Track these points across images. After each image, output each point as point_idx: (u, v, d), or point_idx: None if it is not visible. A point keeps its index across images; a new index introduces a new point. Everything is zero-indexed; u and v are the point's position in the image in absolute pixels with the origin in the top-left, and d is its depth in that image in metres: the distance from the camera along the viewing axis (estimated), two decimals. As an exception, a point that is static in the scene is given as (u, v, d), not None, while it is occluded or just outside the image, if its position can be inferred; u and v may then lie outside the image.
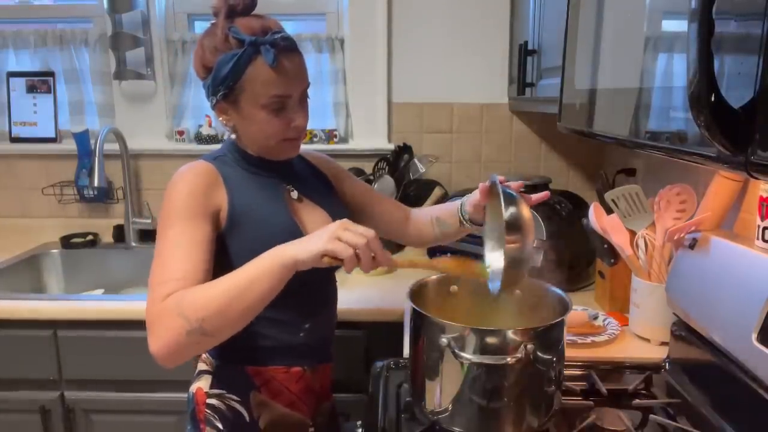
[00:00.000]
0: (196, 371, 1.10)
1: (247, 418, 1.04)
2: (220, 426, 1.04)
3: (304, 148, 1.17)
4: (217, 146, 2.03)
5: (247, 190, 1.04)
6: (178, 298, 0.86)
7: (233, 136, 1.07)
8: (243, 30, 0.96)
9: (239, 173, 1.05)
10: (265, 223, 1.01)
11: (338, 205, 1.18)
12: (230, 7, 0.98)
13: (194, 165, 1.02)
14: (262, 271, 0.87)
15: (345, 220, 0.90)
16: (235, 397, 1.05)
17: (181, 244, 0.92)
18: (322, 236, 0.87)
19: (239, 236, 1.00)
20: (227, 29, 0.97)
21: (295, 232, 1.01)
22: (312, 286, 1.08)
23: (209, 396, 1.05)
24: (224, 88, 0.98)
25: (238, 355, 1.05)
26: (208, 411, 1.05)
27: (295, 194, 1.10)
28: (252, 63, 0.96)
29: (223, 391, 1.05)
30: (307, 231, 1.03)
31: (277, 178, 1.08)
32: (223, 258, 0.98)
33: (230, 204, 1.00)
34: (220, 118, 1.04)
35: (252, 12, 1.01)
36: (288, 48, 0.98)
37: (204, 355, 1.10)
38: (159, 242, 0.94)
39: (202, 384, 1.07)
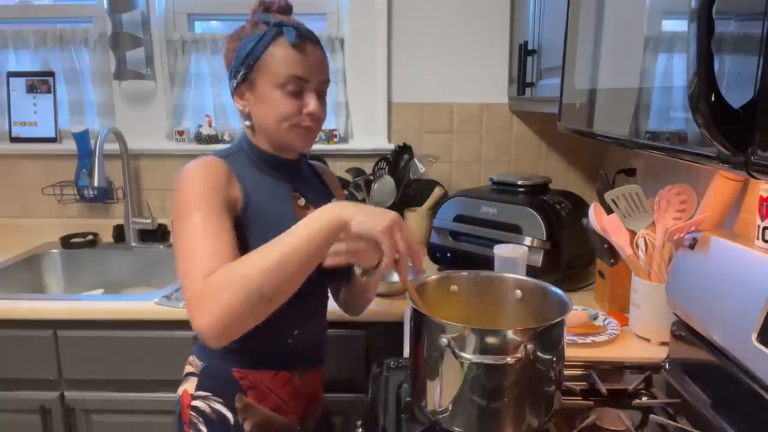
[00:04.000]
0: (184, 373, 1.10)
1: (232, 421, 1.03)
2: (204, 429, 1.03)
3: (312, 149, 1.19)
4: (218, 146, 2.05)
5: (259, 189, 1.03)
6: (227, 270, 0.84)
7: (247, 123, 1.06)
8: (271, 17, 1.02)
9: (250, 172, 1.04)
10: (277, 227, 0.93)
11: None
12: (265, 6, 1.04)
13: (205, 159, 1.00)
14: (313, 230, 0.85)
15: (402, 221, 0.89)
16: (220, 400, 1.04)
17: (208, 228, 0.90)
18: (381, 221, 0.85)
19: (253, 234, 0.99)
20: (257, 15, 1.03)
21: None
22: (301, 294, 1.00)
23: (194, 398, 1.05)
24: (245, 67, 1.00)
25: (224, 358, 1.04)
26: (193, 413, 1.04)
27: (302, 201, 1.10)
28: (274, 42, 0.99)
29: (209, 394, 1.04)
30: None
31: (286, 181, 1.08)
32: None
33: (245, 198, 1.00)
34: (239, 105, 1.05)
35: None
36: (310, 37, 1.03)
37: (191, 357, 1.09)
38: (182, 233, 0.91)
39: (188, 386, 1.06)
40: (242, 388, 1.04)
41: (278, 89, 0.99)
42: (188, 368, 1.09)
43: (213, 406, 1.04)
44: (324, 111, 1.06)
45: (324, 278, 1.08)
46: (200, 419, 1.04)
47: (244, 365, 1.05)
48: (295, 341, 1.08)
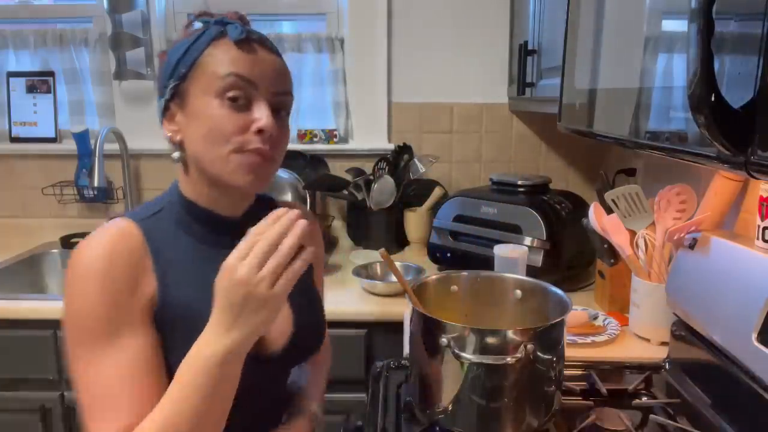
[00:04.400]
0: None
1: None
2: None
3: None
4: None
5: (185, 269, 0.77)
6: None
7: (176, 155, 0.79)
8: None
9: (177, 240, 0.77)
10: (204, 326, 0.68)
11: (307, 293, 0.88)
12: (210, 16, 0.80)
13: (109, 237, 0.72)
14: (211, 386, 0.66)
15: (234, 268, 0.64)
16: None
17: (111, 376, 0.68)
18: (249, 312, 0.64)
19: (174, 336, 0.74)
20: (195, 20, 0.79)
21: None
22: (250, 398, 0.77)
23: None
24: (175, 78, 0.75)
25: None
26: None
27: None
28: (214, 42, 0.75)
29: None
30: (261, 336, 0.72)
31: (229, 247, 0.69)
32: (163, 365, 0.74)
33: (162, 294, 0.74)
34: (167, 132, 0.79)
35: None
36: (264, 40, 0.78)
37: None
38: (80, 375, 0.69)
39: None
40: None
41: (216, 98, 0.73)
42: None
43: None
44: (284, 133, 0.78)
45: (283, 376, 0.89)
46: None
47: None
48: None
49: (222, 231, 0.80)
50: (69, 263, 0.71)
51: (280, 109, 0.78)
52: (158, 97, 0.79)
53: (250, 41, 0.76)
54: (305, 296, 0.89)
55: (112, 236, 0.73)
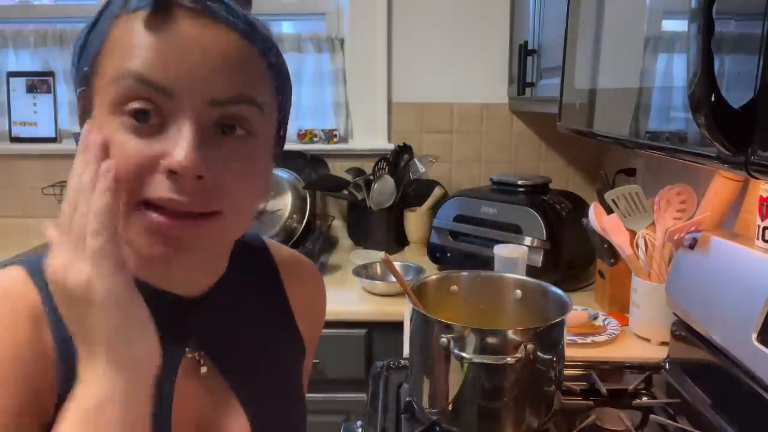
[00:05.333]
0: None
1: None
2: None
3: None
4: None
5: None
6: None
7: None
8: None
9: None
10: None
11: (278, 394, 0.63)
12: None
13: None
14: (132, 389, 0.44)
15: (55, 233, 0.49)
16: None
17: None
18: (86, 313, 0.43)
19: None
20: None
21: None
22: None
23: None
24: (80, 81, 0.50)
25: None
26: None
27: (204, 369, 0.57)
28: (118, 19, 0.47)
29: None
30: None
31: (172, 333, 0.51)
32: None
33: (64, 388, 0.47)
34: None
35: None
36: (204, 4, 0.47)
37: None
38: None
39: None
40: None
41: (113, 114, 0.46)
42: None
43: None
44: (240, 168, 0.49)
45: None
46: None
47: None
48: None
49: (173, 319, 0.53)
50: None
51: (232, 125, 0.49)
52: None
53: (170, 9, 0.46)
54: (274, 398, 0.62)
55: None
